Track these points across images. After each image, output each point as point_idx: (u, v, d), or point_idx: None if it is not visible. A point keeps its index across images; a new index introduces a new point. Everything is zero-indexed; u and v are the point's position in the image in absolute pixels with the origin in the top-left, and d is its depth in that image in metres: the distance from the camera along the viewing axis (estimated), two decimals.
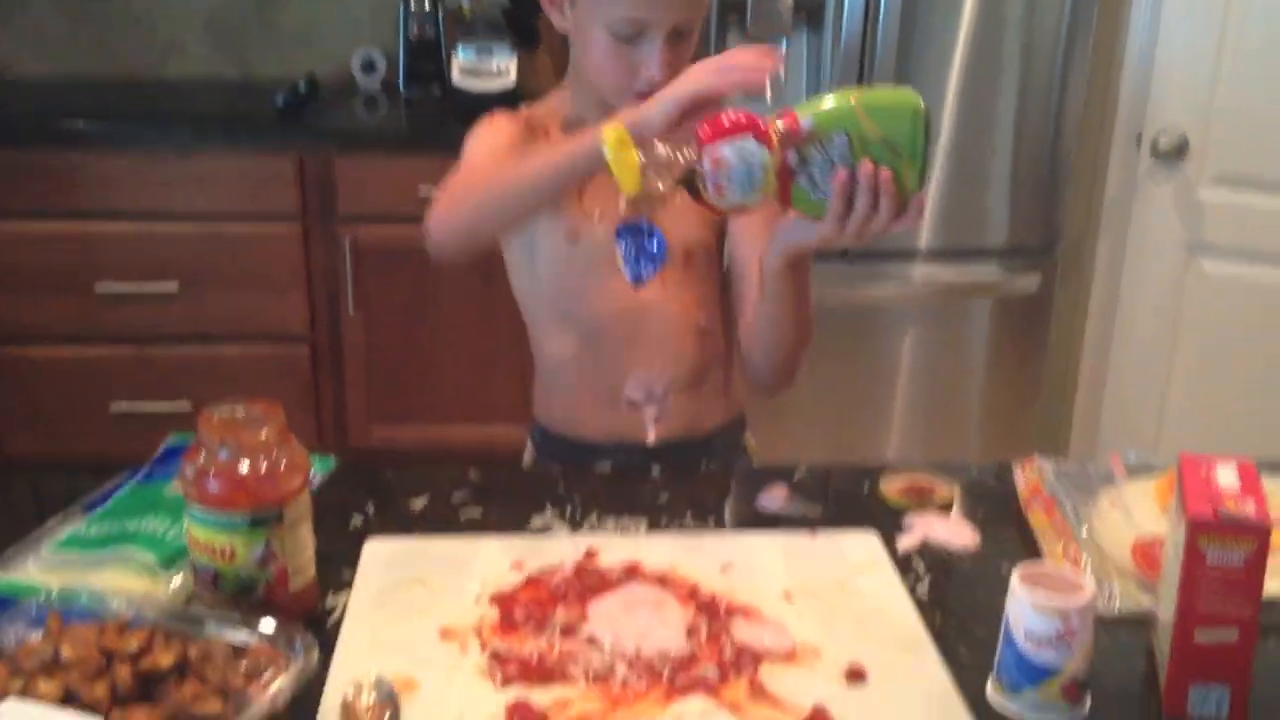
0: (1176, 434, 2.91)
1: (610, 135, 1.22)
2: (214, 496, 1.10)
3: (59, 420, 2.91)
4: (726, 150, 1.19)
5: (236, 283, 2.85)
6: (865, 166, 1.22)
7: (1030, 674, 1.06)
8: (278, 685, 0.98)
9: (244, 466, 1.10)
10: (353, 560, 1.27)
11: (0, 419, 2.89)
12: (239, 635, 1.04)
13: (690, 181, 1.23)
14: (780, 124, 1.22)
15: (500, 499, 1.43)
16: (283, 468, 1.12)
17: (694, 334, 1.60)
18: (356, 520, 1.37)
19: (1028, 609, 1.05)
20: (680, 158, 1.21)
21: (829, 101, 1.23)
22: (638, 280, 1.54)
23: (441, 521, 1.37)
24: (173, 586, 1.18)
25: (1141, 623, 1.21)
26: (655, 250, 1.55)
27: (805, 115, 1.22)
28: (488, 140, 1.54)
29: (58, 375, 2.88)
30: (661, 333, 1.58)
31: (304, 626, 1.08)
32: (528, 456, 1.72)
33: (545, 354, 1.64)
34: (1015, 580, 1.07)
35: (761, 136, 1.20)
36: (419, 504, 1.41)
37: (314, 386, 2.96)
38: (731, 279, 1.63)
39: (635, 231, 1.54)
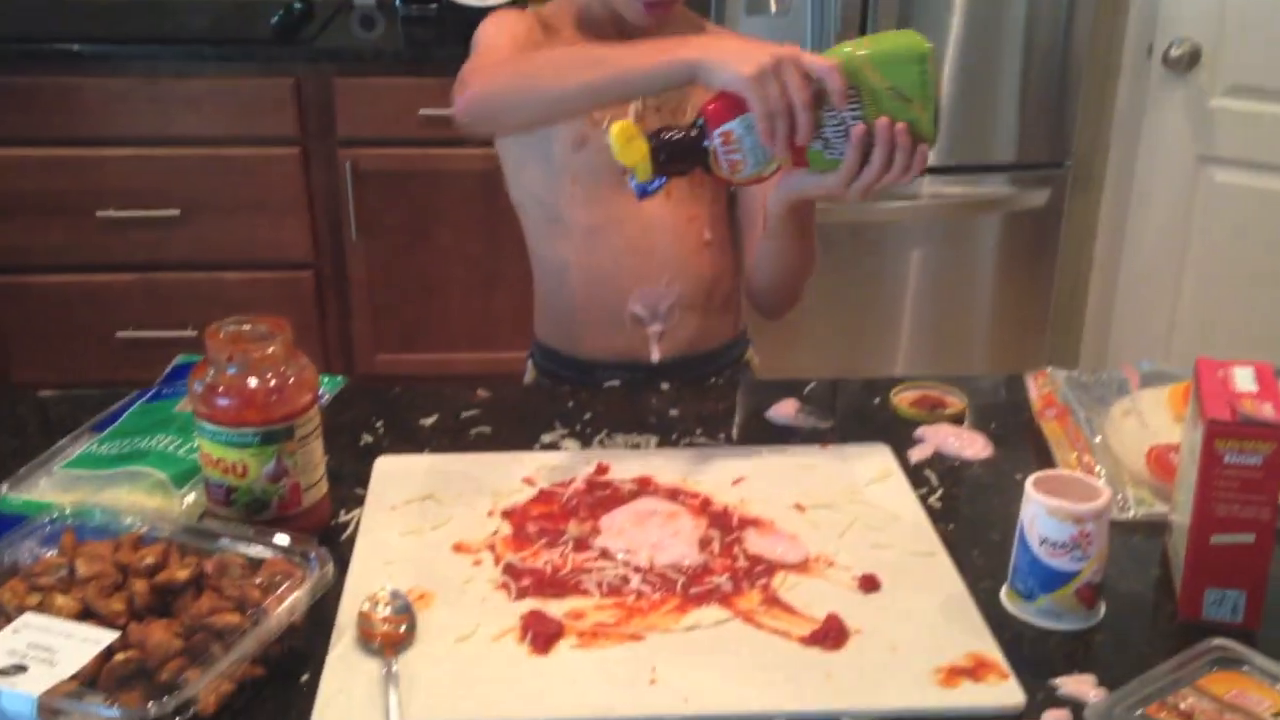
0: (1186, 345, 2.90)
1: (617, 130, 1.19)
2: (224, 412, 1.09)
3: (65, 348, 2.91)
4: (735, 126, 1.17)
5: (238, 208, 2.82)
6: (882, 121, 1.21)
7: (1045, 580, 1.06)
8: (294, 598, 0.98)
9: (253, 382, 1.10)
10: (363, 477, 1.27)
11: (7, 347, 2.90)
12: (254, 550, 1.04)
13: (704, 161, 1.21)
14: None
15: (510, 416, 1.42)
16: (291, 383, 1.11)
17: (700, 249, 1.58)
18: (366, 438, 1.36)
19: (1043, 514, 1.05)
20: (689, 134, 1.18)
21: (832, 59, 1.20)
22: (643, 192, 1.51)
23: (451, 439, 1.37)
24: (186, 503, 1.17)
25: (1156, 529, 1.21)
26: None
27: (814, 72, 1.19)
28: (507, 29, 1.49)
29: (63, 303, 2.87)
30: (666, 247, 1.56)
31: (318, 541, 1.08)
32: (528, 377, 1.71)
33: (545, 268, 1.62)
34: (1030, 486, 1.07)
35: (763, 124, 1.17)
36: (429, 422, 1.40)
37: (319, 314, 2.95)
38: (738, 197, 1.61)
39: None
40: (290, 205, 2.83)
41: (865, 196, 1.26)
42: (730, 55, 1.20)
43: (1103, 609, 1.09)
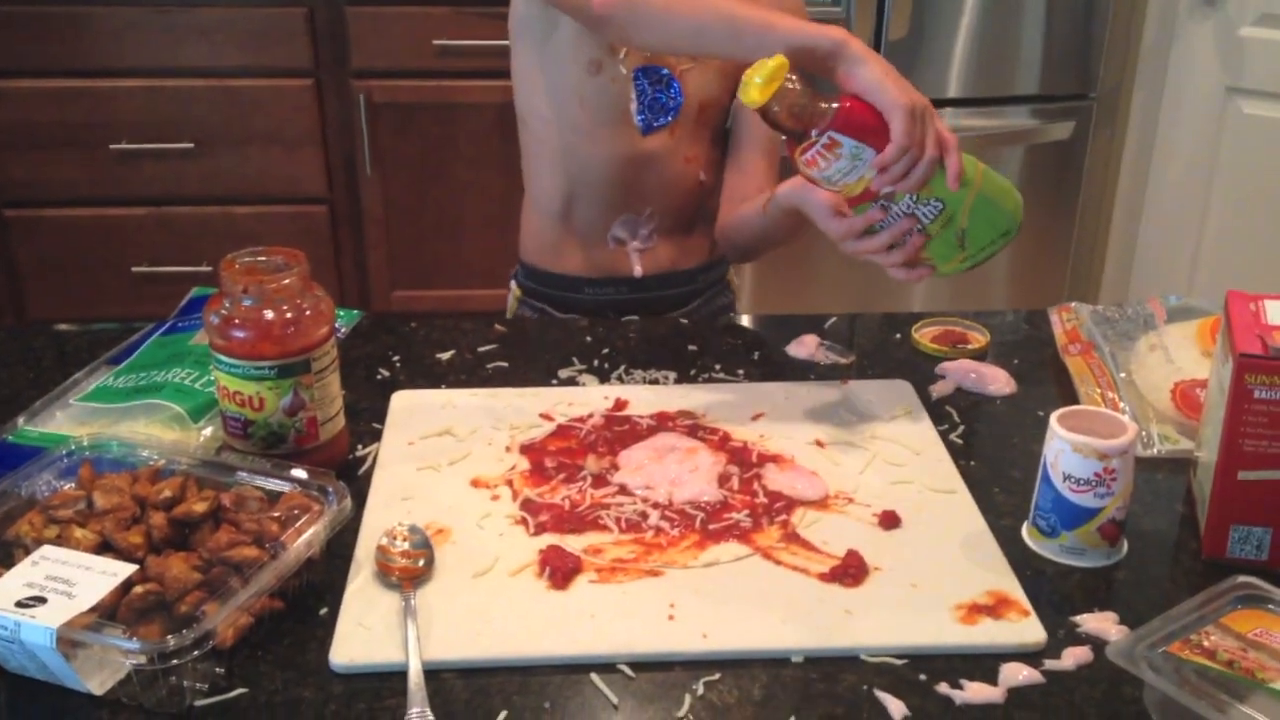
0: (1210, 280, 2.87)
1: (774, 61, 1.14)
2: (240, 345, 1.08)
3: (81, 282, 2.90)
4: (847, 143, 1.14)
5: (251, 141, 2.80)
6: (916, 241, 1.20)
7: (1068, 517, 1.05)
8: (313, 532, 0.97)
9: (269, 314, 1.08)
10: (380, 412, 1.26)
11: (22, 282, 2.89)
12: (271, 484, 1.03)
13: (800, 133, 1.16)
14: None
15: (527, 352, 1.41)
16: (308, 315, 1.10)
17: (692, 189, 1.60)
18: (383, 372, 1.35)
19: (1067, 451, 1.04)
20: (812, 113, 1.14)
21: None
22: (648, 128, 1.51)
23: (468, 373, 1.36)
24: (203, 437, 1.17)
25: (1181, 466, 1.20)
26: (670, 101, 1.51)
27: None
28: None
29: (77, 237, 2.86)
30: (660, 184, 1.57)
31: (337, 476, 1.08)
32: (511, 297, 1.71)
33: (538, 183, 1.61)
34: (1054, 422, 1.05)
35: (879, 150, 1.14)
36: (445, 357, 1.39)
37: (333, 249, 2.93)
38: (731, 145, 1.61)
39: (654, 78, 1.50)
40: (304, 138, 2.81)
41: (850, 252, 1.24)
42: (882, 68, 1.15)
43: (1125, 546, 1.08)
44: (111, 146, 2.77)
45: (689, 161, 1.57)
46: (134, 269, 2.89)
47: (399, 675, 0.90)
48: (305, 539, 0.97)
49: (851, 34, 1.19)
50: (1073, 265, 3.04)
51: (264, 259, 1.11)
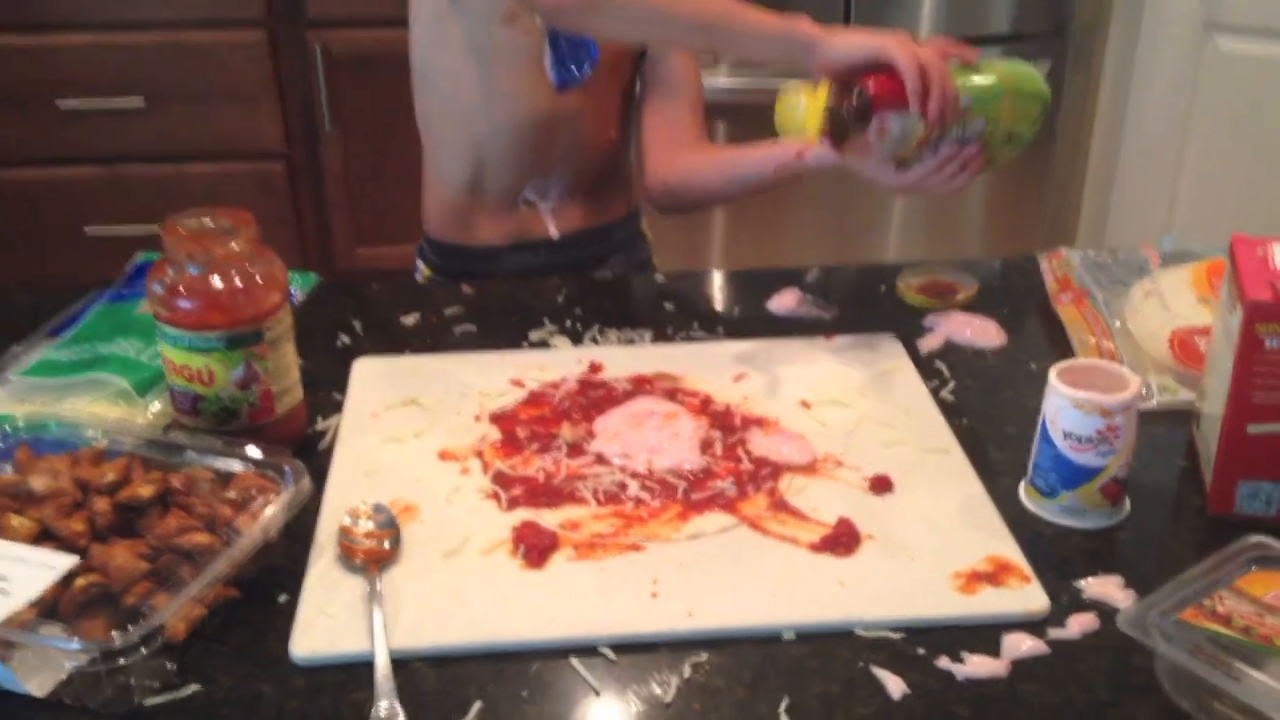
0: (1189, 221, 2.81)
1: (808, 98, 1.20)
2: (186, 315, 1.01)
3: (32, 246, 2.81)
4: (893, 121, 1.17)
5: (204, 97, 2.70)
6: (971, 150, 1.20)
7: (1068, 476, 1.00)
8: (269, 515, 0.91)
9: (216, 281, 1.01)
10: (341, 382, 1.20)
11: None
12: (223, 463, 0.97)
13: (841, 136, 1.19)
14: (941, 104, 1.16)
15: (496, 313, 1.34)
16: (258, 281, 1.03)
17: (605, 147, 1.54)
18: (344, 339, 1.29)
19: (1068, 407, 0.98)
20: (851, 116, 1.17)
21: (981, 79, 1.20)
22: (563, 84, 1.44)
23: (434, 338, 1.29)
24: (151, 413, 1.10)
25: (1181, 418, 1.14)
26: (585, 55, 1.44)
27: (964, 93, 1.18)
28: None
29: (26, 198, 2.76)
30: (573, 143, 1.51)
31: (295, 452, 1.01)
32: (419, 278, 1.62)
33: (442, 149, 1.54)
34: (1053, 377, 1.00)
35: (922, 111, 1.16)
36: (410, 320, 1.32)
37: (293, 207, 2.84)
38: (654, 100, 1.54)
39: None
40: (259, 92, 2.71)
41: (903, 193, 1.25)
42: (852, 38, 1.16)
43: (1128, 505, 1.03)
44: (58, 104, 2.66)
45: (601, 119, 1.51)
46: (87, 231, 2.80)
47: (365, 666, 0.84)
48: (261, 523, 0.91)
49: (800, 18, 1.19)
50: (1049, 208, 2.99)
51: (210, 222, 1.04)
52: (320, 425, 1.13)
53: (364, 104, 2.73)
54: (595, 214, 1.57)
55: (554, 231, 1.53)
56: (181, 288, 1.01)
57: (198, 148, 2.76)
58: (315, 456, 1.09)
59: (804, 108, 1.19)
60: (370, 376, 1.20)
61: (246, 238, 1.03)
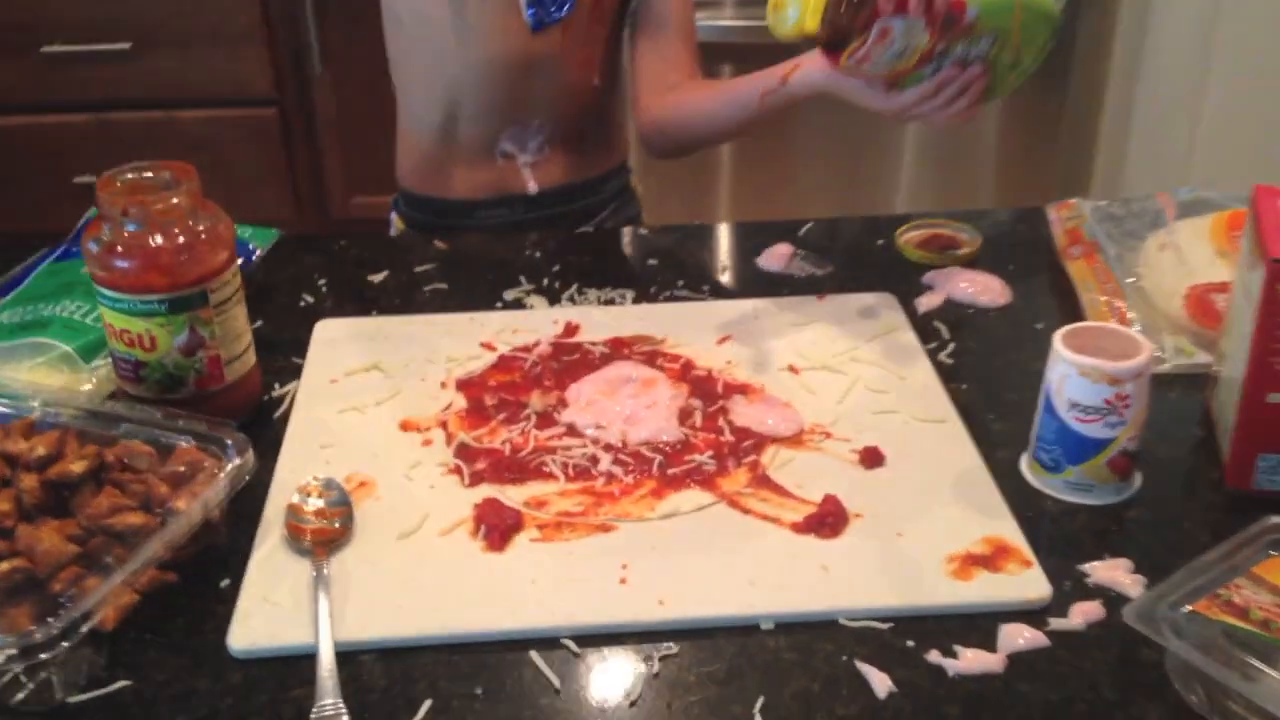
0: (1208, 170, 2.71)
1: None
2: (124, 276, 0.94)
3: (20, 195, 2.74)
4: (897, 26, 1.06)
5: (192, 40, 2.61)
6: (974, 71, 1.11)
7: (1074, 449, 0.93)
8: (210, 493, 0.84)
9: (157, 239, 0.94)
10: (302, 345, 1.13)
11: None
12: (164, 436, 0.90)
13: (837, 40, 1.08)
14: (946, 7, 1.07)
15: (469, 271, 1.27)
16: (203, 239, 0.96)
17: (587, 95, 1.45)
18: (307, 298, 1.21)
19: (1073, 375, 0.91)
20: (854, 17, 1.06)
21: None
22: (538, 25, 1.34)
23: (403, 297, 1.22)
24: (95, 380, 1.03)
25: (1197, 382, 1.07)
26: None
27: (972, 4, 1.08)
28: None
29: (12, 146, 2.70)
30: (552, 90, 1.41)
31: (248, 421, 0.96)
32: (393, 231, 1.54)
33: (415, 97, 1.46)
34: (1058, 342, 0.92)
35: (930, 19, 1.06)
36: (378, 278, 1.25)
37: (286, 154, 2.76)
38: (645, 39, 1.43)
39: None
40: (248, 35, 2.62)
41: (898, 119, 1.15)
42: None
43: (1138, 479, 0.96)
44: (43, 49, 2.59)
45: (583, 65, 1.41)
46: (76, 179, 2.72)
47: (308, 659, 0.78)
48: (200, 501, 0.84)
49: None
50: (1063, 156, 2.88)
51: (149, 175, 0.97)
52: (278, 391, 1.07)
53: (356, 46, 2.63)
54: (578, 168, 1.48)
55: (533, 186, 1.45)
56: (119, 246, 0.94)
57: (187, 93, 2.68)
58: (270, 426, 1.02)
59: (800, 5, 1.07)
60: (332, 339, 1.13)
61: (189, 191, 0.95)
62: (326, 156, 2.77)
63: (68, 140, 2.70)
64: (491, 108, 1.40)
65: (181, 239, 0.95)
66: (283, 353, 1.11)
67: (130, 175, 0.96)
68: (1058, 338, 0.93)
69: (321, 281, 1.24)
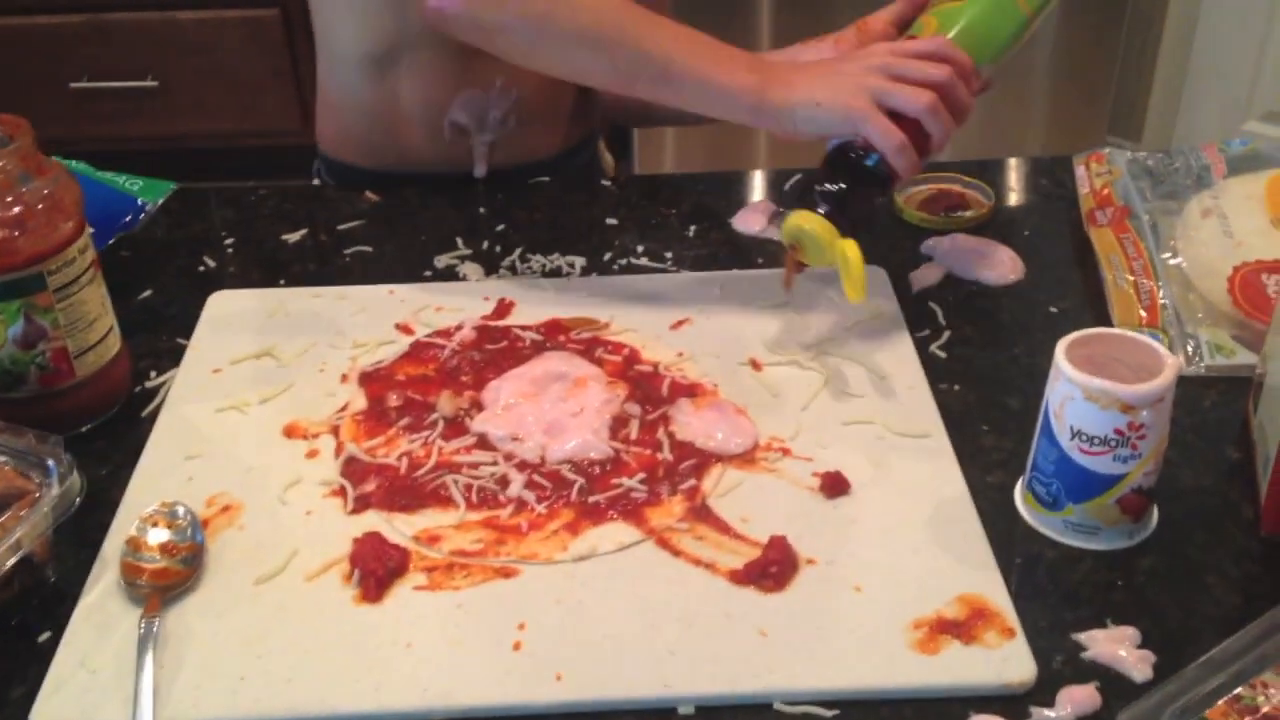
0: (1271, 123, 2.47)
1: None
2: None
3: (15, 101, 2.57)
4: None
5: None
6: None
7: (1077, 485, 0.76)
8: (24, 529, 0.70)
9: None
10: (192, 321, 0.98)
11: None
12: None
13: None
14: None
15: (400, 229, 1.11)
16: (38, 209, 0.80)
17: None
18: (208, 262, 1.06)
19: (1078, 398, 0.74)
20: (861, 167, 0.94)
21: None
22: None
23: (319, 262, 1.06)
24: None
25: (1237, 387, 0.89)
26: None
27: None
28: None
29: (5, 49, 2.56)
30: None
31: (110, 420, 0.82)
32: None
33: (343, 52, 1.16)
34: (1060, 354, 0.75)
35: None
36: (294, 237, 1.09)
37: (290, 60, 2.61)
38: None
39: None
40: None
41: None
42: (806, 95, 0.92)
43: (1154, 517, 0.80)
44: None
45: None
46: (72, 85, 2.59)
47: None
48: (12, 538, 0.70)
49: (754, 68, 0.94)
50: (1113, 106, 2.63)
51: None
52: (153, 381, 0.92)
53: None
54: (544, 143, 1.22)
55: (480, 169, 1.18)
56: None
57: None
58: (138, 427, 0.87)
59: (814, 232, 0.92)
60: (224, 317, 0.98)
61: (20, 152, 0.80)
62: None
63: (63, 43, 2.57)
64: (439, 62, 1.12)
65: (16, 209, 0.79)
66: (169, 331, 0.96)
67: None
68: (1061, 348, 0.76)
69: (229, 241, 1.08)
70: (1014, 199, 1.15)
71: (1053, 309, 1.00)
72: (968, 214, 1.10)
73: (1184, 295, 0.98)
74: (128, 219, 1.05)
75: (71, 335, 0.84)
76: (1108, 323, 0.96)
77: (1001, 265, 1.04)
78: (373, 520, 0.78)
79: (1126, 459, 0.75)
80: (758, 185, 1.17)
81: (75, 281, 0.83)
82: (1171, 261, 1.01)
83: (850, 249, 0.89)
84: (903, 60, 0.93)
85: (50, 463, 0.74)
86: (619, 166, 1.42)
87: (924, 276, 1.03)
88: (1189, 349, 0.94)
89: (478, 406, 0.87)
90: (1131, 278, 1.00)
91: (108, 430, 0.87)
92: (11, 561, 0.70)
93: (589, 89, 1.24)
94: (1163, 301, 0.97)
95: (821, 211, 0.91)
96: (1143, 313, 0.96)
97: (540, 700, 0.67)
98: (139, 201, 1.06)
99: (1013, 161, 1.22)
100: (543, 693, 0.67)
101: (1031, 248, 1.07)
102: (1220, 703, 0.63)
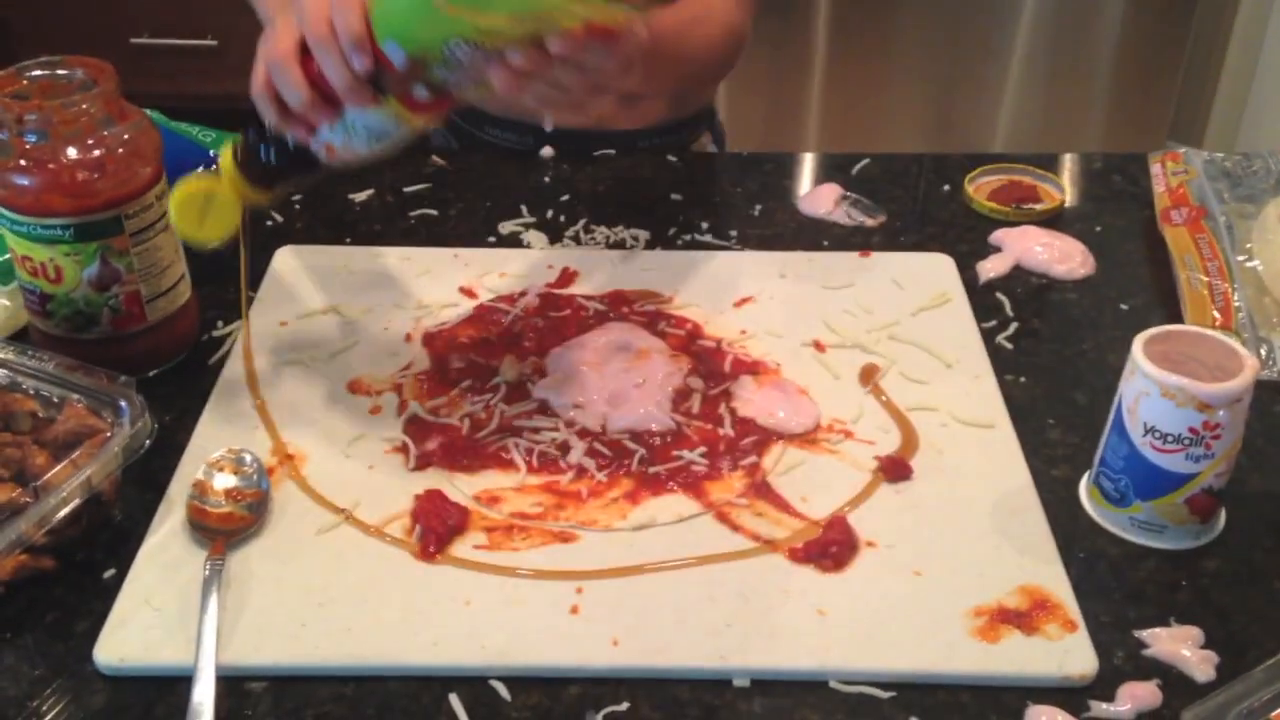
0: None
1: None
2: (23, 195, 0.80)
3: (75, 52, 2.61)
4: (327, 135, 0.77)
5: None
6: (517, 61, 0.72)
7: (1147, 482, 0.75)
8: (94, 466, 0.71)
9: (69, 152, 0.79)
10: (259, 274, 0.98)
11: (14, 54, 2.61)
12: (55, 391, 0.77)
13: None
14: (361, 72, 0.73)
15: (465, 195, 1.11)
16: (120, 153, 0.81)
17: None
18: (275, 218, 1.07)
19: (1154, 395, 0.73)
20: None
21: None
22: None
23: (384, 223, 1.07)
24: (3, 307, 0.90)
25: None
26: None
27: (393, 50, 0.72)
28: None
29: (69, 6, 2.56)
30: None
31: (178, 367, 0.82)
32: None
33: None
34: (1137, 350, 0.74)
35: (357, 99, 0.74)
36: (360, 197, 1.10)
37: None
38: None
39: None
40: None
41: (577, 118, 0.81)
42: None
43: (1222, 519, 0.79)
44: None
45: None
46: (133, 40, 2.59)
47: (185, 682, 0.65)
48: (82, 476, 0.71)
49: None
50: (1177, 107, 2.58)
51: (61, 73, 0.82)
52: (220, 331, 0.93)
53: None
54: (617, 110, 1.17)
55: (549, 122, 1.14)
56: (16, 159, 0.79)
57: None
58: (204, 375, 0.88)
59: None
60: (291, 272, 0.98)
61: (103, 96, 0.80)
62: None
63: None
64: None
65: (98, 152, 0.80)
66: (236, 283, 0.97)
67: (38, 72, 0.81)
68: (1138, 344, 0.75)
69: (296, 198, 1.09)
70: (1085, 194, 1.13)
71: (1123, 306, 0.98)
72: (1039, 206, 1.09)
73: (1259, 299, 0.97)
74: (200, 170, 1.06)
75: (145, 280, 0.84)
76: (1179, 322, 0.94)
77: (1071, 259, 1.03)
78: (434, 478, 0.79)
79: (1199, 458, 0.74)
80: (824, 167, 1.16)
81: (151, 227, 0.83)
82: (1247, 264, 0.99)
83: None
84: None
85: (122, 403, 0.74)
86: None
87: (992, 267, 1.02)
88: (1262, 353, 0.92)
89: (540, 372, 0.87)
90: (1205, 279, 0.99)
91: (174, 376, 0.88)
92: (81, 499, 0.71)
93: None
94: (1237, 304, 0.96)
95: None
96: (1216, 314, 0.95)
97: (596, 664, 0.67)
98: (211, 154, 1.06)
99: (1085, 156, 1.20)
100: (599, 656, 0.67)
101: (1103, 243, 1.05)
102: None
